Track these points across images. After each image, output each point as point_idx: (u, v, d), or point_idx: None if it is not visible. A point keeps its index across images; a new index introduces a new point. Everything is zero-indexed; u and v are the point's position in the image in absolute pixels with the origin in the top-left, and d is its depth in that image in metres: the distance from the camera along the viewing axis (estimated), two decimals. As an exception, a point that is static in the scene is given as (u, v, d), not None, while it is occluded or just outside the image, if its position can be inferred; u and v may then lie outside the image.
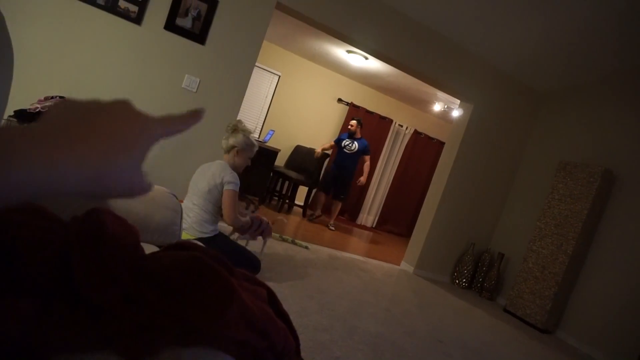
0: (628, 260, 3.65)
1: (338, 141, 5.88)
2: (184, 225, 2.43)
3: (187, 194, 2.56)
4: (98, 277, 0.73)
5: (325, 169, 6.23)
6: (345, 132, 5.94)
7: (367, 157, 5.82)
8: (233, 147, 2.50)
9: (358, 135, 5.76)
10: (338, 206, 5.81)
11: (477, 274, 4.76)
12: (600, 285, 3.79)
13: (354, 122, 5.75)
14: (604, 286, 3.75)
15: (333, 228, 5.84)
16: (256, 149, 2.61)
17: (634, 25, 3.51)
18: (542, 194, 4.50)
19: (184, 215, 2.48)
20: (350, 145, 5.73)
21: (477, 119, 4.59)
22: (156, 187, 1.55)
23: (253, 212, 3.63)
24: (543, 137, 4.79)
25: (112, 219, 0.88)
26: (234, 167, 2.54)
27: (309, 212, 6.08)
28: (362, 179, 5.78)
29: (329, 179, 5.82)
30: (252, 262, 2.53)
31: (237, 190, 2.45)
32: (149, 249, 1.11)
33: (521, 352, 3.17)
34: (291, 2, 3.53)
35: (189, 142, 3.44)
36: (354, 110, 7.07)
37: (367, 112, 7.20)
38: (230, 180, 2.42)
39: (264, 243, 2.82)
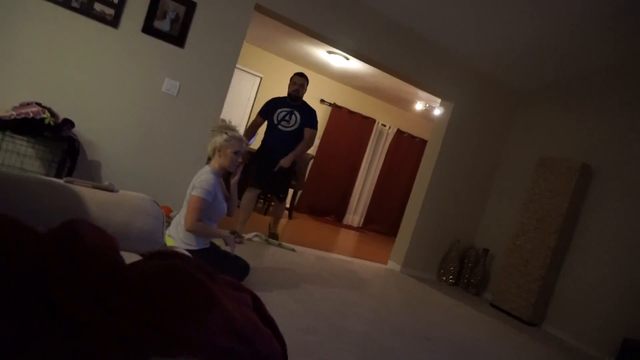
0: (608, 252, 3.73)
1: (267, 112, 3.98)
2: (173, 235, 2.39)
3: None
4: (76, 290, 0.71)
5: (252, 154, 4.09)
6: (284, 97, 4.02)
7: (313, 132, 4.02)
8: (214, 148, 2.43)
9: (300, 95, 3.94)
10: (279, 208, 4.23)
11: (463, 271, 4.81)
12: (582, 277, 3.87)
13: (297, 77, 3.93)
14: (587, 278, 3.83)
15: (276, 241, 4.03)
16: (241, 142, 2.47)
17: (609, 25, 3.60)
18: (524, 190, 4.57)
19: (174, 227, 2.43)
20: (288, 118, 3.89)
21: (458, 118, 4.64)
22: (137, 195, 1.52)
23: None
24: (523, 134, 4.87)
25: (90, 229, 0.86)
26: (223, 168, 2.46)
27: (241, 221, 3.95)
28: (283, 161, 3.82)
29: (260, 169, 3.87)
30: (239, 268, 2.50)
31: (204, 196, 2.30)
32: (130, 257, 1.09)
33: (508, 346, 3.21)
34: (270, 3, 3.52)
35: (171, 146, 3.39)
36: (336, 111, 7.08)
37: (350, 112, 7.22)
38: (197, 186, 2.32)
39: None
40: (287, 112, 3.93)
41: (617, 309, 3.53)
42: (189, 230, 2.33)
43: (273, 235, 4.15)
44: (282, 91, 4.20)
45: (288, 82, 4.02)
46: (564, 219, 3.92)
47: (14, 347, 0.63)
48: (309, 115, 4.01)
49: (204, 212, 2.33)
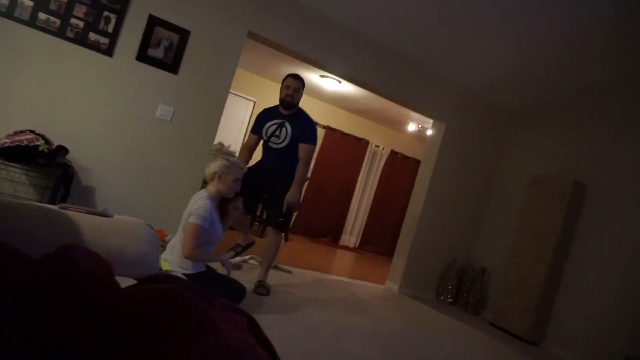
0: (605, 267, 3.73)
1: (259, 127, 3.23)
2: (169, 259, 2.37)
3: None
4: (70, 315, 0.71)
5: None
6: (276, 106, 3.26)
7: (309, 147, 3.16)
8: (214, 173, 2.40)
9: (295, 101, 3.17)
10: (275, 238, 3.19)
11: (461, 289, 4.78)
12: (581, 293, 3.85)
13: (291, 80, 3.19)
14: (586, 294, 3.81)
15: (265, 291, 3.03)
16: (242, 170, 2.48)
17: (599, 44, 3.70)
18: (518, 208, 4.59)
19: (170, 251, 2.41)
20: (278, 132, 3.13)
21: (450, 138, 4.70)
22: (131, 219, 1.52)
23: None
24: (515, 152, 4.93)
25: (85, 254, 0.86)
26: (220, 194, 2.44)
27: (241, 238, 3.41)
28: (290, 196, 3.05)
29: (251, 191, 3.03)
30: (235, 291, 2.47)
31: (201, 223, 2.28)
32: (125, 282, 1.08)
33: (508, 366, 3.17)
34: (262, 30, 3.59)
35: (165, 171, 3.40)
36: (330, 133, 7.14)
37: (344, 134, 7.29)
38: (194, 212, 2.30)
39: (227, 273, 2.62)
40: (278, 124, 3.15)
41: (618, 325, 3.50)
42: (187, 258, 2.31)
43: (261, 285, 3.05)
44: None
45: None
46: (559, 235, 3.93)
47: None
48: (303, 126, 3.14)
49: (201, 238, 2.32)
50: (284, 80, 3.24)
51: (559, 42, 3.77)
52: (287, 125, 3.14)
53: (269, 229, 3.26)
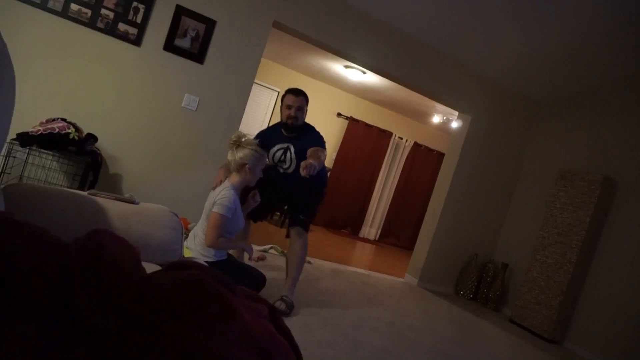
0: (633, 267, 3.63)
1: (265, 147, 2.72)
2: (191, 247, 2.41)
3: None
4: (98, 300, 0.74)
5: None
6: (278, 126, 2.87)
7: (318, 148, 2.64)
8: (244, 164, 2.38)
9: (300, 123, 2.75)
10: (300, 243, 2.77)
11: (481, 285, 4.72)
12: (606, 293, 3.76)
13: (292, 97, 2.73)
14: (610, 294, 3.72)
15: (286, 307, 2.55)
16: (266, 159, 2.47)
17: (631, 32, 3.55)
18: (544, 203, 4.50)
19: (192, 239, 2.45)
20: (283, 157, 2.77)
21: (476, 130, 4.62)
22: (157, 206, 1.56)
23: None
24: (542, 146, 4.81)
25: (112, 240, 0.89)
26: (245, 183, 2.44)
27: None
28: (304, 165, 2.25)
29: (262, 201, 2.69)
30: (256, 279, 2.51)
31: (225, 213, 2.28)
32: (150, 268, 1.11)
33: (528, 364, 3.13)
34: (288, 20, 3.59)
35: (190, 160, 3.46)
36: (353, 124, 7.11)
37: (367, 125, 7.24)
38: (218, 202, 2.31)
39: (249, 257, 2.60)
40: (283, 150, 2.76)
41: (643, 327, 3.42)
42: (210, 246, 2.33)
43: (283, 300, 2.60)
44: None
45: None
46: (586, 233, 3.84)
47: (37, 355, 0.65)
48: (306, 143, 2.68)
49: (224, 228, 2.34)
50: (283, 97, 2.79)
51: (591, 30, 3.63)
52: (292, 148, 2.74)
53: (294, 232, 2.81)
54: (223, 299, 0.80)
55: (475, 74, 4.52)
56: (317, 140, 2.72)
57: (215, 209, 2.31)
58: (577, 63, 4.11)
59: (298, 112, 2.71)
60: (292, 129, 2.73)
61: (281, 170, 2.80)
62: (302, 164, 2.21)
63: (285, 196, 2.94)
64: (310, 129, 2.82)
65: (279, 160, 2.77)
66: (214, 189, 2.44)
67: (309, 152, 2.55)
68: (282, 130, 2.78)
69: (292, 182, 2.75)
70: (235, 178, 2.43)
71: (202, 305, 0.77)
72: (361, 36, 3.89)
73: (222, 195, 2.35)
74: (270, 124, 6.56)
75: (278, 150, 2.76)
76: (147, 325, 0.73)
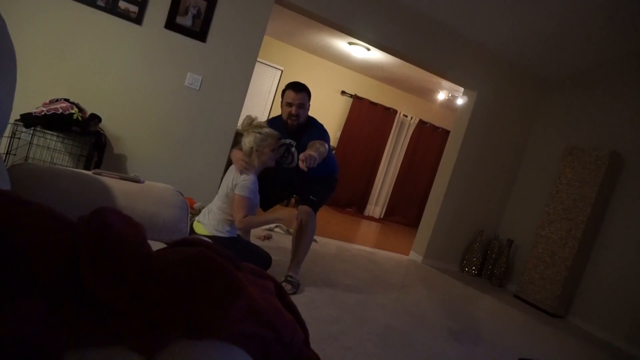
0: (638, 243, 3.62)
1: None
2: (204, 222, 2.46)
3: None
4: (105, 276, 0.74)
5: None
6: (279, 119, 2.78)
7: (321, 141, 2.56)
8: (250, 148, 2.48)
9: (301, 121, 2.68)
10: (310, 222, 2.70)
11: (486, 262, 4.75)
12: (610, 268, 3.77)
13: (293, 94, 2.62)
14: (615, 269, 3.73)
15: (291, 288, 2.57)
16: (277, 138, 2.49)
17: (637, 8, 3.46)
18: (550, 179, 4.47)
19: (205, 215, 2.52)
20: (286, 154, 2.75)
21: (482, 107, 4.56)
22: (162, 185, 1.56)
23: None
24: (548, 122, 4.75)
25: (118, 217, 0.89)
26: (263, 165, 2.52)
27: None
28: (303, 157, 2.16)
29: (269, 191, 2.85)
30: (262, 259, 2.54)
31: (247, 194, 2.40)
32: (156, 246, 1.12)
33: (533, 338, 3.16)
34: (290, -5, 3.52)
35: (194, 139, 3.45)
36: (358, 102, 7.05)
37: (372, 103, 7.17)
38: (241, 184, 2.41)
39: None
40: (286, 145, 2.72)
41: (647, 301, 3.43)
42: (239, 228, 2.46)
43: (288, 281, 2.60)
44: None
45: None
46: (592, 209, 3.82)
47: (45, 330, 0.65)
48: (310, 138, 2.60)
49: (249, 209, 2.43)
50: (283, 92, 2.68)
51: (599, 3, 3.53)
52: (294, 144, 2.71)
53: (303, 211, 2.68)
54: (229, 274, 0.81)
55: (481, 50, 4.43)
56: (319, 134, 2.67)
57: (238, 191, 2.41)
58: (587, 38, 4.01)
59: (299, 110, 2.63)
60: (294, 128, 2.67)
61: (285, 165, 2.78)
62: (301, 156, 2.18)
63: (293, 187, 2.97)
64: (313, 122, 2.77)
65: (282, 155, 2.74)
66: (240, 172, 2.48)
67: (308, 145, 2.50)
68: (284, 128, 2.70)
69: (298, 176, 2.70)
70: (253, 161, 2.51)
71: (208, 281, 0.78)
72: (365, 11, 3.81)
73: (244, 177, 2.44)
74: (274, 104, 6.52)
75: (281, 146, 2.70)
76: (154, 301, 0.74)
